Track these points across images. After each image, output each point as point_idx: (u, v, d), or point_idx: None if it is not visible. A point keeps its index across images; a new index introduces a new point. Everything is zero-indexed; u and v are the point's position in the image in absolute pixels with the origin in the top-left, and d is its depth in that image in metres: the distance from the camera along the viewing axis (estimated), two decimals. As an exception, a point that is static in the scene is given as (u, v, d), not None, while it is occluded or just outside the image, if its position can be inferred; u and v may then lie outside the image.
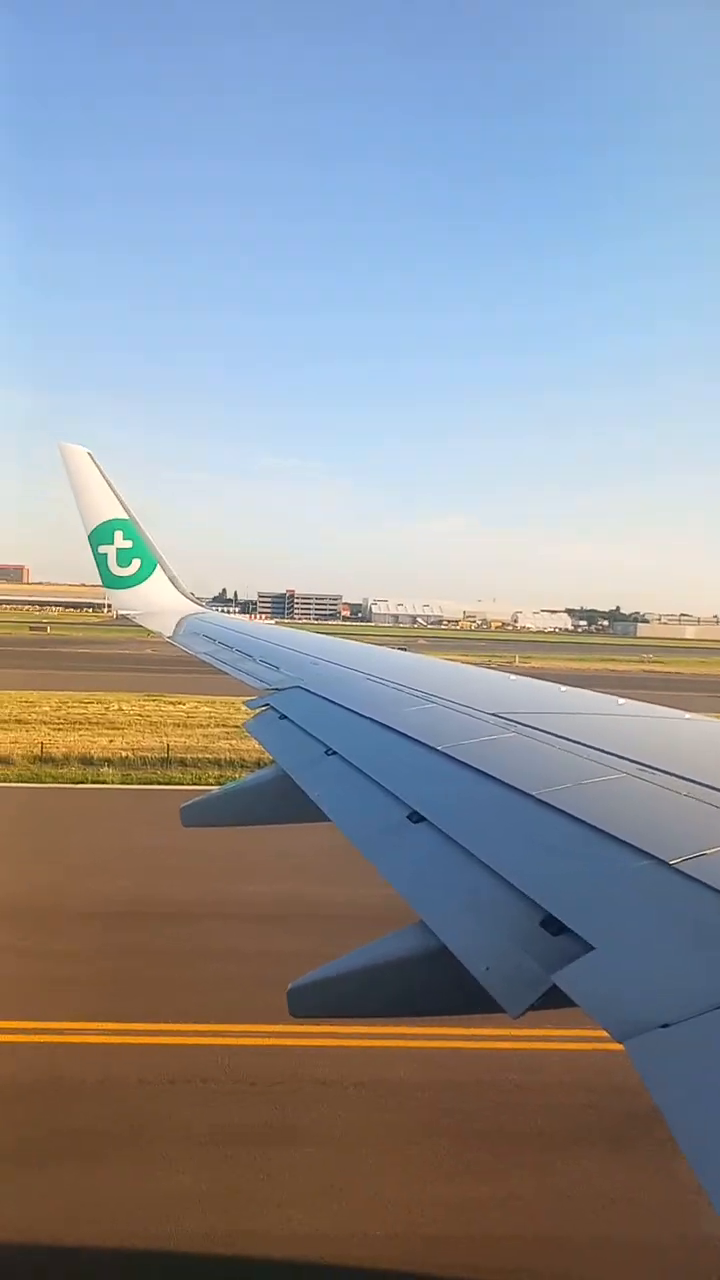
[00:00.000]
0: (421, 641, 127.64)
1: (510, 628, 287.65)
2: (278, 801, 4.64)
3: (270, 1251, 7.75)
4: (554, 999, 1.93)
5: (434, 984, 2.48)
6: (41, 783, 25.75)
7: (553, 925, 2.11)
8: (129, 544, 14.81)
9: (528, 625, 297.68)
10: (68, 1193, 8.31)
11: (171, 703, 42.29)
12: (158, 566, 15.10)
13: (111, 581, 14.99)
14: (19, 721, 35.10)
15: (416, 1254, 7.77)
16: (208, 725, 35.49)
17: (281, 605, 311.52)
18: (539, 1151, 9.15)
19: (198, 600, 16.51)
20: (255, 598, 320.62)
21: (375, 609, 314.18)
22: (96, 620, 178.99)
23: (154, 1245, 7.77)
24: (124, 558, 14.84)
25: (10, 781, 25.76)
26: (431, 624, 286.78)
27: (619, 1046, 1.65)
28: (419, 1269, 7.62)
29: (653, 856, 2.26)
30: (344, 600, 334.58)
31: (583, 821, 2.60)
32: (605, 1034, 1.71)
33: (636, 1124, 9.31)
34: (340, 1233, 7.96)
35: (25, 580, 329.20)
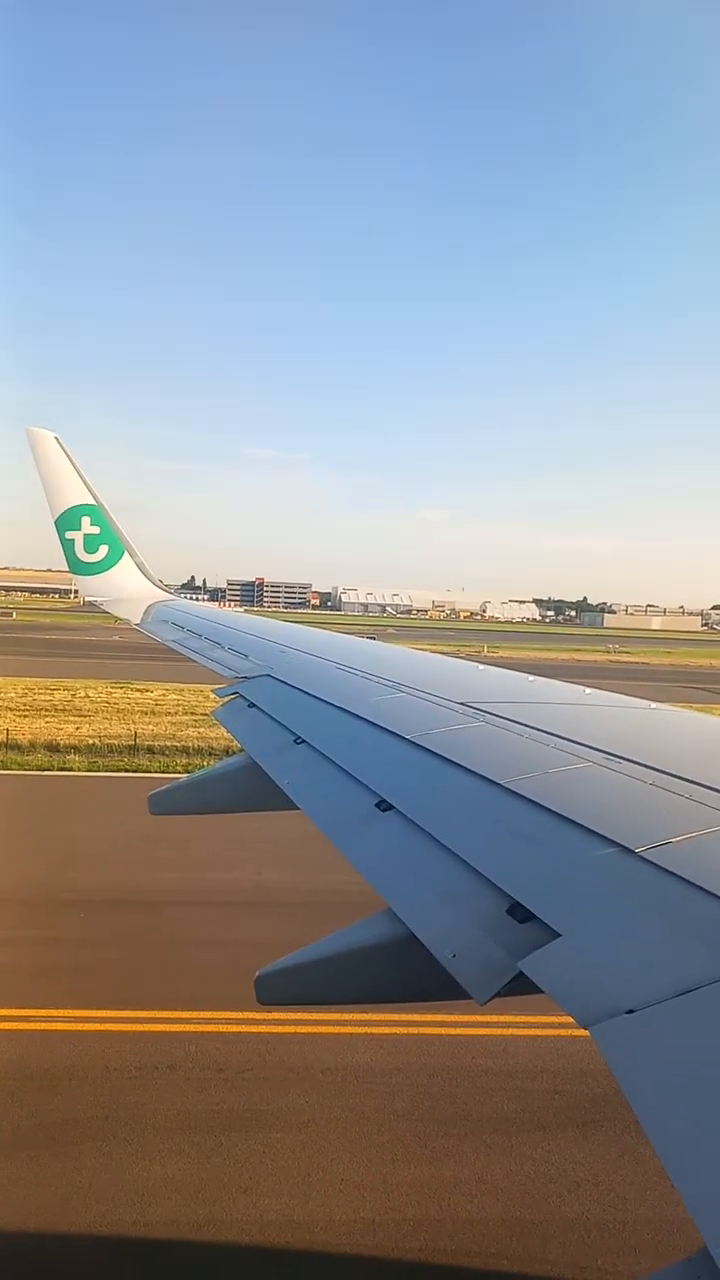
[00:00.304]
0: (390, 631, 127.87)
1: (479, 618, 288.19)
2: (246, 789, 4.63)
3: (241, 1237, 7.78)
4: (520, 985, 1.94)
5: (402, 971, 2.50)
6: (7, 769, 25.52)
7: (519, 912, 2.13)
8: (96, 530, 14.69)
9: (496, 615, 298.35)
10: (37, 1182, 8.29)
11: (139, 690, 42.04)
12: (125, 553, 14.99)
13: (79, 567, 14.86)
14: (-16, 708, 34.75)
15: (388, 1237, 7.83)
16: (176, 713, 35.33)
17: (251, 593, 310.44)
18: (506, 1135, 9.24)
19: (166, 587, 16.41)
20: (224, 585, 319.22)
21: (345, 598, 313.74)
22: (63, 606, 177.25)
23: (125, 1233, 7.78)
24: (91, 544, 14.72)
25: (-25, 769, 25.52)
26: (400, 613, 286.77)
27: (584, 1032, 1.67)
28: (391, 1252, 7.68)
29: (618, 844, 2.29)
30: (313, 589, 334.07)
31: (549, 810, 2.63)
32: (571, 1020, 1.73)
33: (601, 1108, 9.44)
34: (311, 1218, 8.00)
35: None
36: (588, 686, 5.22)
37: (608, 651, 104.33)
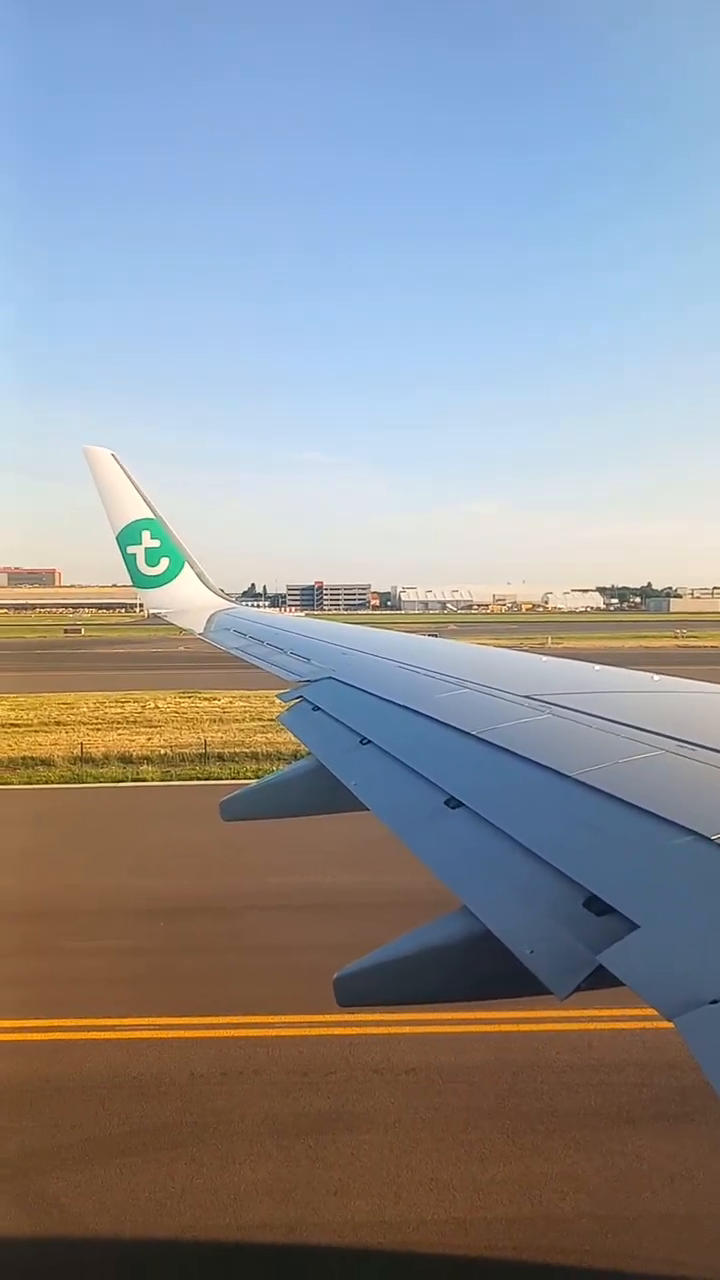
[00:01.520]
0: (452, 627, 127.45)
1: (541, 609, 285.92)
2: (315, 792, 4.64)
3: (334, 1239, 7.81)
4: (600, 979, 1.91)
5: (479, 968, 2.48)
6: (83, 783, 26.04)
7: (596, 905, 2.10)
8: (156, 543, 14.88)
9: (559, 606, 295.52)
10: (131, 1189, 8.42)
11: (206, 699, 42.57)
12: (186, 564, 15.16)
13: (141, 581, 15.07)
14: (58, 723, 35.52)
15: (480, 1236, 7.79)
16: (243, 719, 35.68)
17: (311, 597, 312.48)
18: (595, 1131, 9.13)
19: (227, 596, 16.56)
20: (284, 591, 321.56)
21: (404, 597, 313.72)
22: (129, 620, 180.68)
23: (219, 1237, 7.86)
24: (152, 557, 14.92)
25: (52, 783, 26.10)
26: (461, 609, 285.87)
27: (668, 1024, 1.63)
28: (484, 1251, 7.65)
29: (694, 832, 2.24)
30: (373, 589, 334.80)
31: (622, 800, 2.58)
32: (653, 1012, 1.70)
33: (691, 1100, 9.28)
34: (402, 1218, 8.00)
35: (57, 584, 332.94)
36: (656, 673, 5.13)
37: (675, 636, 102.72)
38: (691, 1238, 7.76)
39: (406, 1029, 10.84)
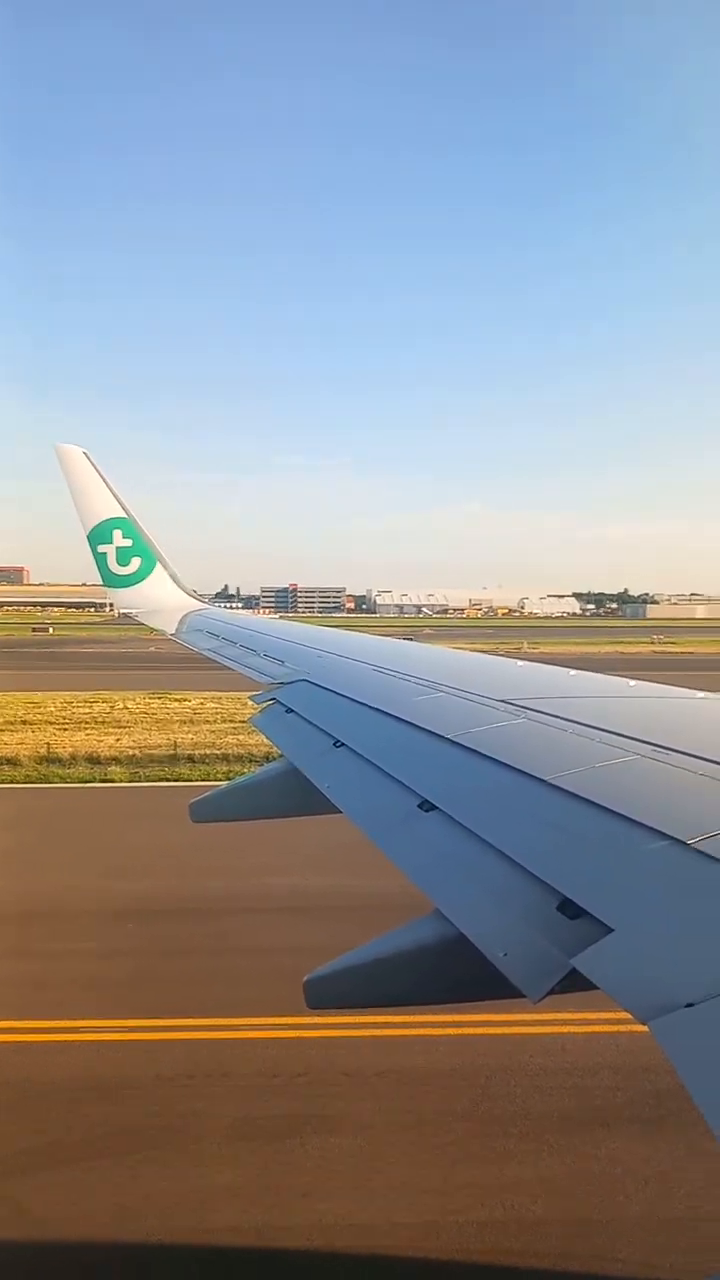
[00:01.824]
0: (427, 631, 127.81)
1: (517, 614, 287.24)
2: (287, 794, 4.63)
3: (301, 1242, 7.76)
4: (574, 982, 1.91)
5: (452, 971, 2.47)
6: (49, 783, 25.81)
7: (570, 908, 2.10)
8: (128, 542, 14.80)
9: (534, 611, 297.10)
10: (96, 1191, 8.34)
11: (177, 699, 42.34)
12: (158, 564, 15.09)
13: (112, 580, 14.99)
14: (24, 722, 35.18)
15: (452, 1239, 7.78)
16: (214, 721, 35.52)
17: (285, 600, 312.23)
18: (568, 1134, 9.15)
19: (200, 597, 16.50)
20: (258, 593, 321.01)
21: (379, 600, 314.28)
22: (99, 620, 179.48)
23: (185, 1240, 7.80)
24: (123, 556, 14.83)
25: (18, 782, 25.84)
26: (437, 613, 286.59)
27: (642, 1028, 1.63)
28: (455, 1255, 7.64)
29: (669, 837, 2.25)
30: (348, 593, 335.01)
31: (597, 804, 2.59)
32: (628, 1016, 1.69)
33: (665, 1104, 9.32)
34: (371, 1221, 7.97)
35: (26, 581, 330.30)
36: (632, 679, 5.16)
37: (652, 642, 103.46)
38: (666, 1241, 7.78)
39: (377, 1032, 10.82)
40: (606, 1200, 8.22)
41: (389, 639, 9.38)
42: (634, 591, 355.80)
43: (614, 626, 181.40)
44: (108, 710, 38.77)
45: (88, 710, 38.77)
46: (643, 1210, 8.11)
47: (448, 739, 3.68)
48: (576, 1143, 9.03)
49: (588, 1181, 8.47)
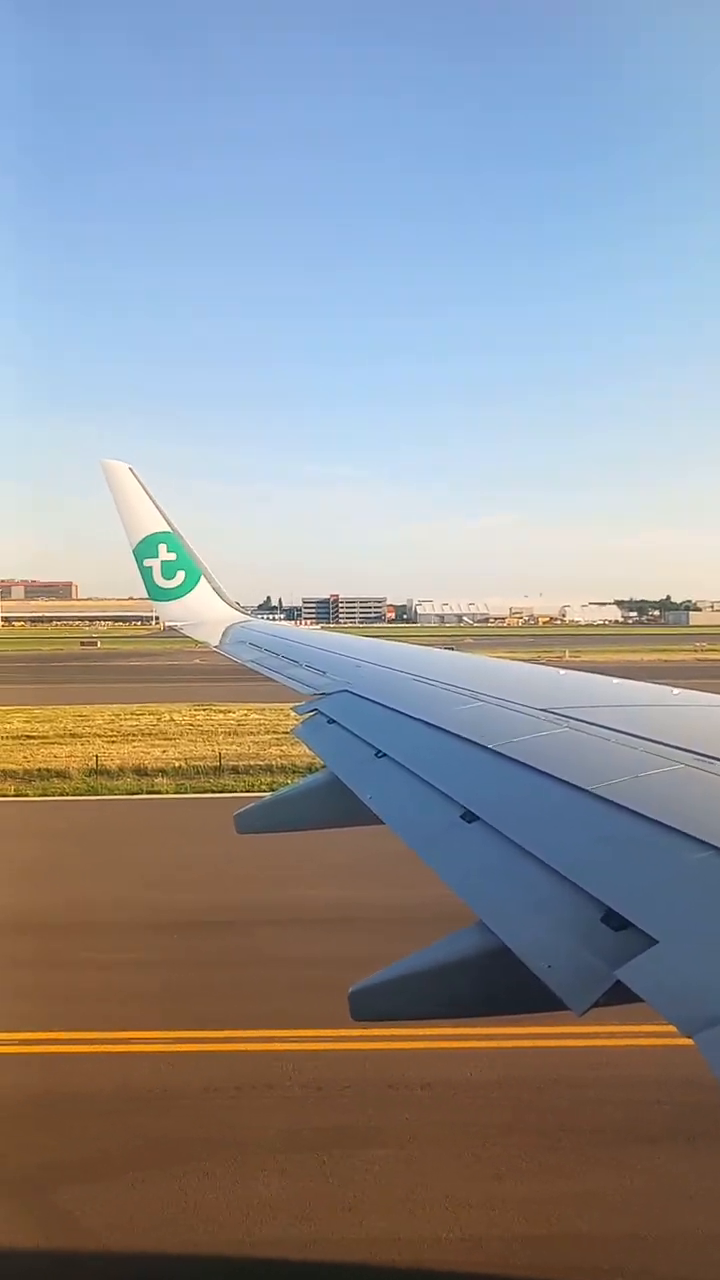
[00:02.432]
0: (468, 640, 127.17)
1: (558, 622, 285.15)
2: (330, 805, 4.63)
3: (346, 1256, 7.74)
4: (619, 995, 1.89)
5: (496, 983, 2.46)
6: (98, 795, 26.10)
7: (614, 920, 2.08)
8: (173, 556, 14.94)
9: (576, 619, 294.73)
10: (143, 1203, 8.39)
11: (222, 711, 42.63)
12: (202, 577, 15.22)
13: (157, 594, 15.13)
14: (74, 735, 35.66)
15: (497, 1254, 7.71)
16: (258, 732, 35.70)
17: (326, 610, 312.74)
18: (614, 1148, 9.04)
19: (243, 609, 16.61)
20: (300, 604, 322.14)
21: (420, 610, 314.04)
22: (145, 633, 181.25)
23: (230, 1253, 7.82)
24: (168, 570, 14.98)
25: (67, 795, 26.17)
26: (478, 622, 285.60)
27: (687, 1041, 1.61)
28: (500, 1270, 7.56)
29: (714, 847, 2.22)
30: (388, 602, 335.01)
31: (641, 815, 2.56)
32: (672, 1029, 1.68)
33: (711, 1118, 9.17)
34: (417, 1235, 7.93)
35: (74, 596, 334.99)
36: (675, 687, 5.10)
37: (695, 650, 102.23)
38: (712, 1257, 7.66)
39: (422, 1044, 10.78)
40: (652, 1216, 8.10)
41: (430, 648, 9.36)
42: (676, 599, 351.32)
43: (656, 634, 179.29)
44: (154, 722, 39.15)
45: (135, 723, 39.18)
46: (688, 1226, 7.98)
47: (489, 749, 3.67)
48: (621, 1157, 8.91)
49: (633, 1197, 8.35)
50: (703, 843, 2.26)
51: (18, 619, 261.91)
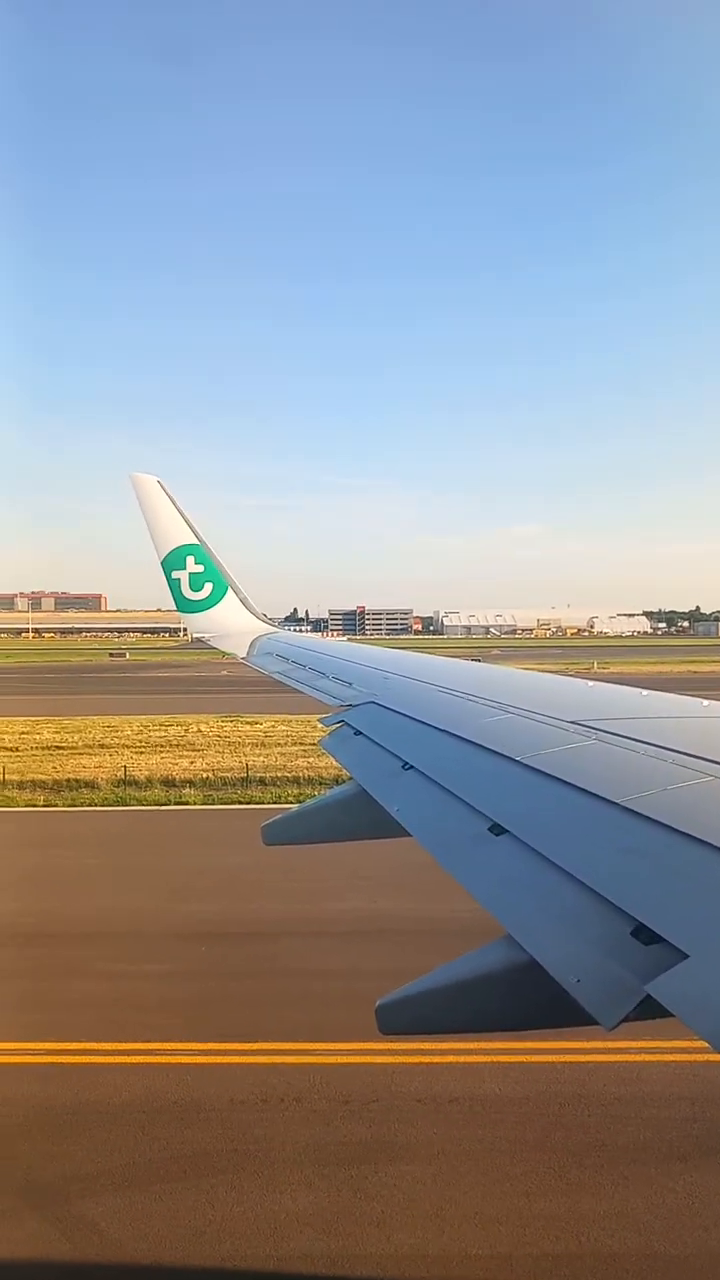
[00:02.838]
0: (495, 652, 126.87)
1: (586, 633, 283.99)
2: (357, 817, 4.62)
3: (375, 1272, 7.69)
4: (649, 1010, 1.87)
5: (524, 998, 2.44)
6: (126, 805, 26.23)
7: (644, 934, 2.06)
8: (200, 568, 15.03)
9: (604, 630, 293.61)
10: (171, 1215, 8.38)
11: (249, 723, 42.75)
12: (229, 589, 15.29)
13: (185, 606, 15.22)
14: (103, 746, 35.88)
15: (526, 1272, 7.63)
16: (285, 744, 35.76)
17: (353, 622, 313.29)
18: (644, 1166, 8.93)
19: (270, 620, 16.66)
20: (326, 616, 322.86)
21: (447, 621, 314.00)
22: (173, 644, 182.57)
23: (259, 1267, 7.78)
24: (196, 582, 15.06)
25: (96, 805, 26.31)
26: (505, 634, 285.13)
27: (718, 1057, 1.59)
28: None
29: (746, 861, 2.20)
30: (415, 614, 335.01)
31: (672, 828, 2.54)
32: (704, 1045, 1.66)
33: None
34: (445, 1252, 7.86)
35: (103, 608, 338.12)
36: (706, 699, 5.06)
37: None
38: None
39: (449, 1058, 10.71)
40: (683, 1235, 7.98)
41: (456, 660, 9.33)
42: (706, 610, 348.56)
43: (686, 645, 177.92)
44: (182, 734, 39.32)
45: (163, 734, 39.38)
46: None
47: (517, 761, 3.65)
48: (652, 1175, 8.80)
49: (664, 1216, 8.24)
50: (734, 856, 2.24)
51: (47, 630, 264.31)
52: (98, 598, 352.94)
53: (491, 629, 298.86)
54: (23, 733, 40.04)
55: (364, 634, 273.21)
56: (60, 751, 34.82)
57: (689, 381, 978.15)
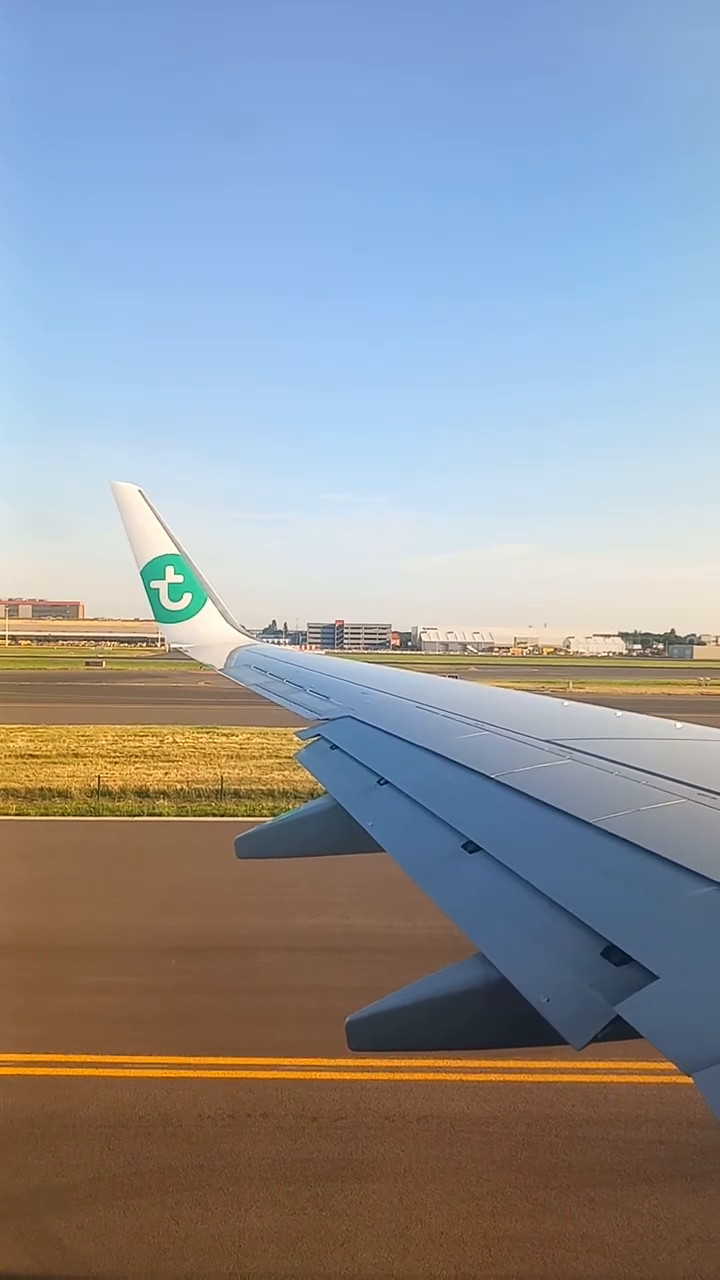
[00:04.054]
0: (472, 669, 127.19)
1: (563, 653, 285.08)
2: (331, 832, 4.61)
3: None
4: (618, 1030, 1.88)
5: (494, 1016, 2.44)
6: (99, 816, 26.03)
7: (615, 955, 2.07)
8: (180, 579, 15.01)
9: (580, 650, 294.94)
10: (134, 1231, 8.28)
11: (225, 735, 42.60)
12: (208, 600, 15.27)
13: (164, 616, 15.18)
14: (76, 755, 35.61)
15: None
16: (261, 756, 35.66)
17: (331, 636, 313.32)
18: (611, 1188, 8.92)
19: (248, 632, 16.63)
20: (305, 629, 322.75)
21: (425, 637, 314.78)
22: (150, 654, 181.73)
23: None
24: (175, 592, 15.03)
25: (69, 815, 26.09)
26: (482, 651, 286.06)
27: (688, 1079, 1.60)
28: None
29: (716, 883, 2.21)
30: (393, 629, 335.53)
31: (643, 849, 2.56)
32: (671, 1066, 1.67)
33: (710, 1159, 9.07)
34: (410, 1272, 7.81)
35: (81, 617, 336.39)
36: (679, 721, 5.10)
37: (699, 684, 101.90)
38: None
39: (419, 1075, 10.67)
40: (649, 1258, 7.97)
41: (434, 676, 9.36)
42: (681, 632, 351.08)
43: (660, 667, 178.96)
44: (157, 744, 39.12)
45: (138, 744, 39.17)
46: (686, 1270, 7.85)
47: (492, 779, 3.66)
48: (619, 1197, 8.79)
49: (630, 1239, 8.23)
50: (704, 878, 2.26)
51: (24, 638, 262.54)
52: (75, 606, 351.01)
53: (469, 646, 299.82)
54: (-4, 740, 39.71)
55: (343, 648, 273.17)
56: (34, 760, 34.53)
57: (671, 408, 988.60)
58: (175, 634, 15.39)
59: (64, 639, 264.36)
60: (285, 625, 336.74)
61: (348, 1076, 10.65)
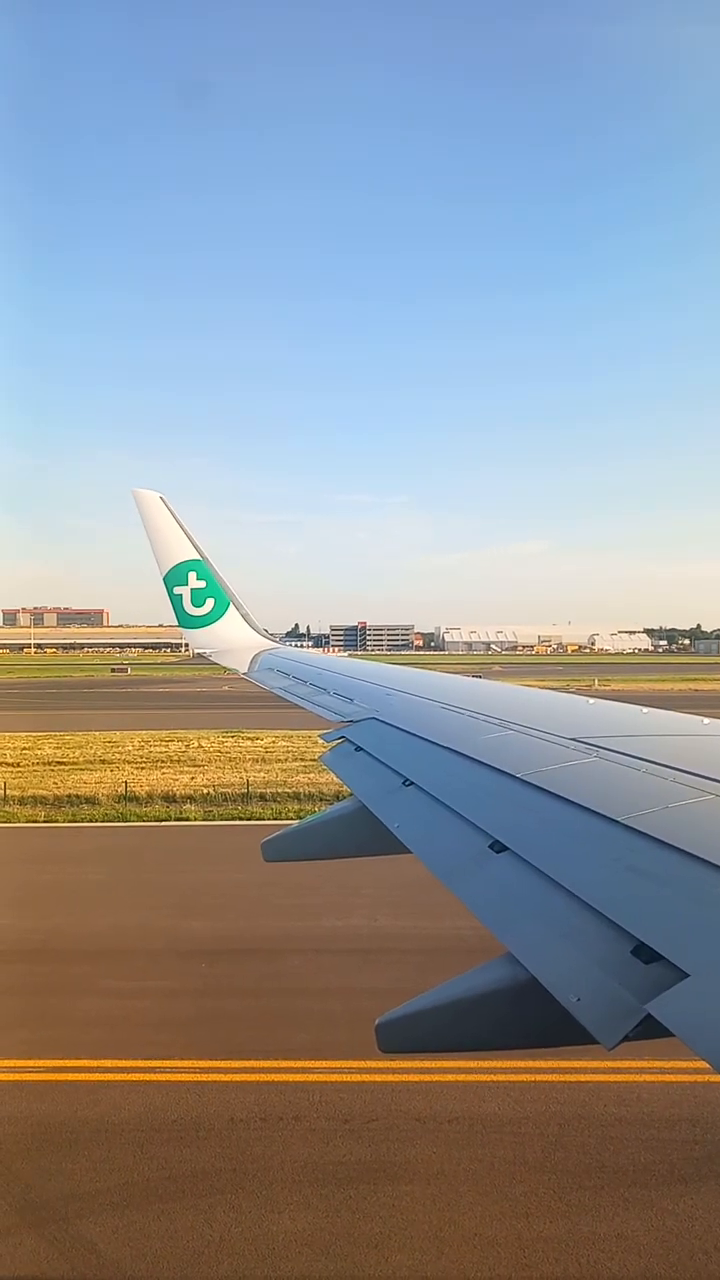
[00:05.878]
0: (496, 668, 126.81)
1: (587, 651, 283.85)
2: (357, 834, 4.61)
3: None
4: (649, 1029, 1.86)
5: (524, 1016, 2.43)
6: (127, 821, 26.17)
7: (645, 953, 2.05)
8: (202, 584, 15.07)
9: (605, 648, 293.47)
10: (169, 1235, 8.31)
11: (250, 738, 42.71)
12: (231, 605, 15.32)
13: (187, 621, 15.24)
14: (104, 761, 35.84)
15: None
16: (286, 760, 35.72)
17: (354, 638, 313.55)
18: (645, 1189, 8.85)
19: (271, 636, 16.67)
20: (328, 631, 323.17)
21: (448, 637, 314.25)
22: (175, 660, 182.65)
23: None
24: (198, 598, 15.10)
25: (97, 820, 26.25)
26: (506, 650, 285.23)
27: (720, 1079, 1.59)
28: None
29: (747, 879, 2.19)
30: (416, 630, 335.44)
31: (672, 846, 2.53)
32: (705, 1065, 1.65)
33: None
34: (444, 1274, 7.79)
35: (105, 624, 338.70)
36: (706, 717, 5.05)
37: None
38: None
39: (450, 1077, 10.64)
40: (684, 1259, 7.90)
41: (457, 676, 9.33)
42: (707, 628, 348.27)
43: (687, 663, 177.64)
44: (183, 749, 39.29)
45: (164, 749, 39.35)
46: (725, 1272, 7.78)
47: (518, 778, 3.64)
48: (654, 1197, 8.72)
49: (665, 1239, 8.16)
50: (735, 875, 2.23)
51: (50, 645, 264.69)
52: (100, 613, 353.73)
53: (492, 645, 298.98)
54: (24, 748, 40.02)
55: (365, 649, 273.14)
56: (61, 767, 34.79)
57: (695, 405, 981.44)
58: (199, 639, 15.45)
59: (89, 646, 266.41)
60: (308, 628, 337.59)
61: (378, 1078, 10.64)
